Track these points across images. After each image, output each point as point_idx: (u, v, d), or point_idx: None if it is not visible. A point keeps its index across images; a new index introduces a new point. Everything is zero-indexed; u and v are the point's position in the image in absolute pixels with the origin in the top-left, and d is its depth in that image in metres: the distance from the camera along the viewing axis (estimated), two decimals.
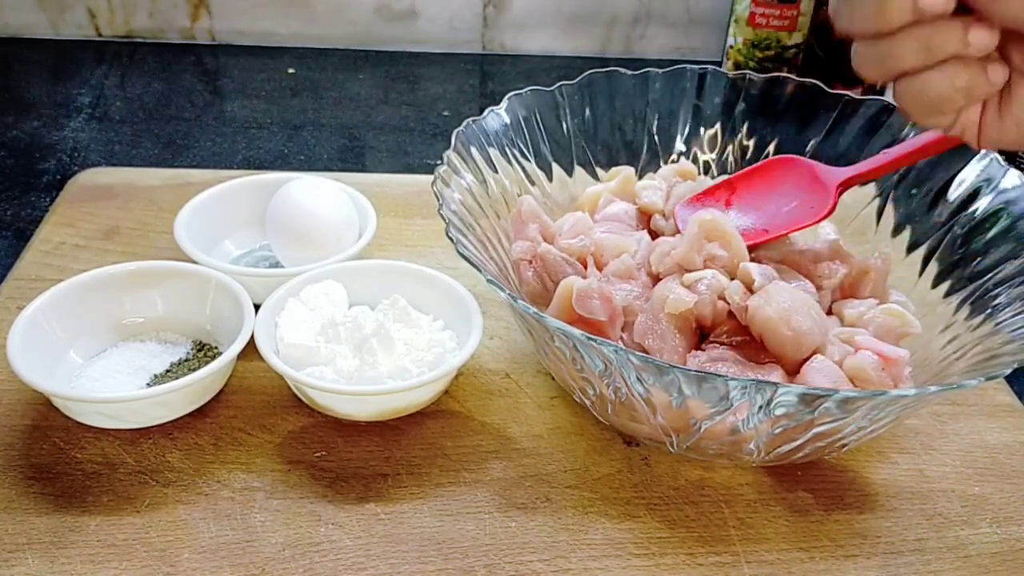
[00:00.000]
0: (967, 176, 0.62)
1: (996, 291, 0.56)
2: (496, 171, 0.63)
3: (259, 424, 0.57)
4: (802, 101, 0.68)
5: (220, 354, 0.60)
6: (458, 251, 0.52)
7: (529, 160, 0.66)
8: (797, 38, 0.95)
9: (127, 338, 0.61)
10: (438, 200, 0.55)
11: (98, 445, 0.55)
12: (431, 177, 0.65)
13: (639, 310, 0.55)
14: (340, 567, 0.49)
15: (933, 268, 0.62)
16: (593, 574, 0.50)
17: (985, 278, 0.58)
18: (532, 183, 0.66)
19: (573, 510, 0.53)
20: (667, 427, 0.52)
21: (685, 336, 0.54)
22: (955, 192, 0.62)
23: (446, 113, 0.96)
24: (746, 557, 0.51)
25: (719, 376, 0.46)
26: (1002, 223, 0.59)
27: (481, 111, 0.62)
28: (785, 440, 0.50)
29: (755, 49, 0.96)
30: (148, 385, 0.57)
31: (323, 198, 0.66)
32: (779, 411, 0.47)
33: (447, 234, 0.53)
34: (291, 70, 1.03)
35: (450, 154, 0.59)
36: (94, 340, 0.60)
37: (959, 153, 0.61)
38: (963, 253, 0.60)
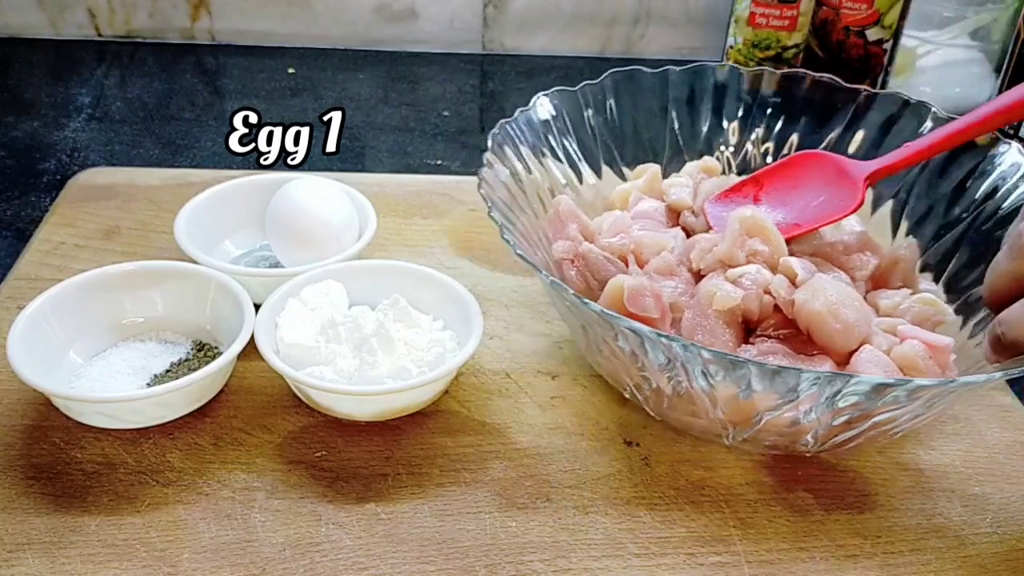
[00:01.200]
0: (988, 168, 0.63)
1: None
2: (531, 171, 0.64)
3: (259, 424, 0.57)
4: (819, 96, 0.69)
5: (220, 354, 0.60)
6: (516, 253, 0.52)
7: (562, 162, 0.67)
8: (797, 38, 0.95)
9: (127, 338, 0.61)
10: (487, 202, 0.55)
11: (98, 445, 0.55)
12: (431, 177, 0.65)
13: (685, 306, 0.56)
14: (340, 567, 0.49)
15: (962, 257, 0.63)
16: (594, 574, 0.50)
17: None
18: (564, 184, 0.67)
19: (573, 510, 0.53)
20: (726, 420, 0.53)
21: (733, 331, 0.55)
22: (977, 184, 0.63)
23: (446, 113, 0.96)
24: (746, 557, 0.51)
25: (793, 369, 0.46)
26: None
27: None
28: (843, 430, 0.51)
29: (755, 49, 0.96)
30: (148, 385, 0.57)
31: (323, 198, 0.66)
32: (846, 402, 0.48)
33: (502, 237, 0.53)
34: (291, 70, 1.03)
35: (489, 156, 0.60)
36: (94, 340, 0.60)
37: (981, 144, 0.63)
38: (987, 242, 0.61)
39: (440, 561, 0.50)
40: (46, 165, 0.84)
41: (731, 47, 0.99)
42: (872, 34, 0.93)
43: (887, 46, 0.94)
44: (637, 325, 0.48)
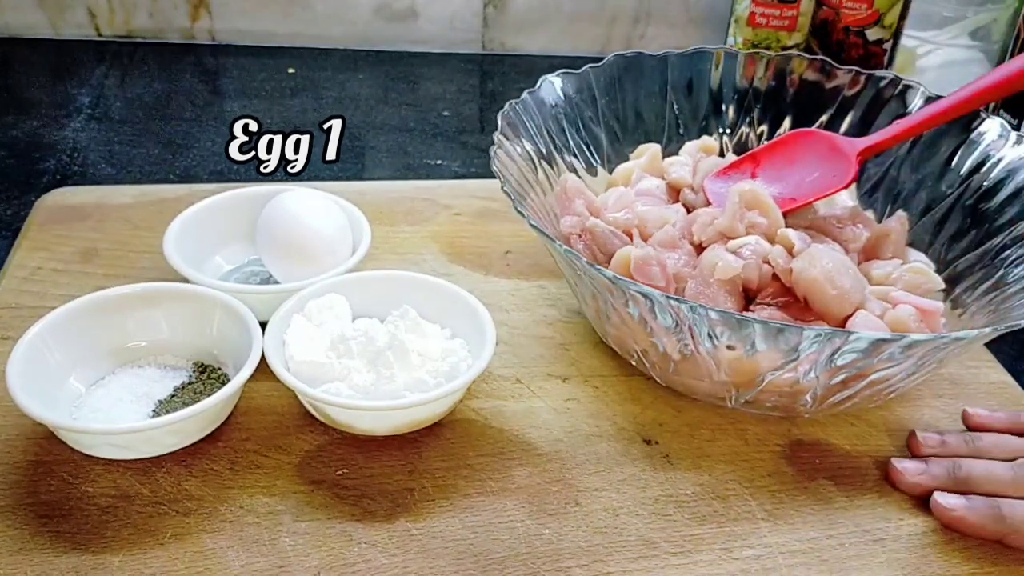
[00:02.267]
0: (972, 145, 0.66)
1: (1007, 252, 0.60)
2: (539, 150, 0.66)
3: (274, 445, 0.56)
4: (813, 78, 0.72)
5: (223, 375, 0.58)
6: (530, 224, 0.54)
7: (568, 142, 0.69)
8: (797, 38, 0.97)
9: (124, 363, 0.58)
10: (499, 177, 0.58)
11: (109, 477, 0.53)
12: (412, 183, 0.64)
13: (687, 276, 0.58)
14: None
15: (948, 230, 0.66)
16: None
17: (997, 239, 0.62)
18: (571, 168, 0.69)
19: (604, 513, 0.53)
20: (729, 383, 0.55)
21: (734, 299, 0.57)
22: (962, 160, 0.66)
23: (446, 113, 0.95)
24: (779, 548, 0.52)
25: (794, 327, 0.48)
26: (1013, 185, 0.63)
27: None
28: (840, 389, 0.54)
29: (755, 49, 0.97)
30: (154, 411, 0.55)
31: (316, 210, 0.64)
32: (843, 360, 0.50)
33: (515, 208, 0.55)
34: (291, 70, 1.02)
35: (498, 136, 0.61)
36: (94, 366, 0.57)
37: (967, 120, 0.66)
38: (974, 217, 0.64)
39: (478, 573, 0.49)
40: (46, 165, 0.83)
41: (731, 47, 0.99)
42: (872, 34, 0.95)
43: (887, 46, 0.96)
44: (648, 288, 0.50)
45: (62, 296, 0.61)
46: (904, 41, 0.97)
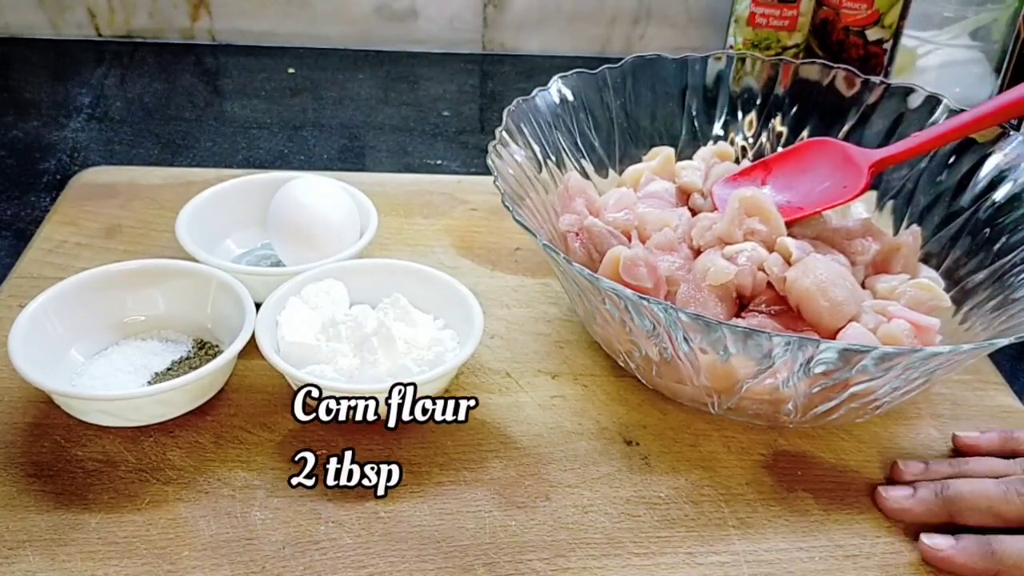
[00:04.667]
0: (993, 160, 0.64)
1: (1017, 269, 0.59)
2: (544, 149, 0.66)
3: (259, 422, 0.57)
4: (835, 85, 0.71)
5: (221, 352, 0.60)
6: (515, 218, 0.54)
7: (575, 142, 0.69)
8: (797, 38, 0.96)
9: (128, 336, 0.61)
10: (493, 172, 0.58)
11: (99, 443, 0.55)
12: (431, 177, 0.63)
13: (681, 280, 0.58)
14: (340, 565, 0.49)
15: (962, 246, 0.64)
16: (592, 573, 0.50)
17: (1008, 257, 0.60)
18: (580, 168, 0.69)
19: (573, 509, 0.53)
20: (710, 388, 0.54)
21: (726, 305, 0.56)
22: (982, 176, 0.64)
23: (446, 113, 0.96)
24: (745, 557, 0.51)
25: (763, 332, 0.48)
26: None
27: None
28: (822, 400, 0.53)
29: (755, 49, 0.96)
30: (149, 383, 0.57)
31: (325, 197, 0.66)
32: (819, 368, 0.49)
33: (503, 203, 0.55)
34: (291, 70, 1.03)
35: (502, 132, 0.62)
36: (96, 338, 0.60)
37: (987, 136, 0.64)
38: (988, 234, 0.63)
39: (439, 560, 0.50)
40: (46, 165, 0.84)
41: (731, 47, 0.99)
42: (872, 34, 0.94)
43: (887, 46, 0.95)
44: (619, 288, 0.50)
45: (82, 269, 0.64)
46: (904, 41, 0.96)
